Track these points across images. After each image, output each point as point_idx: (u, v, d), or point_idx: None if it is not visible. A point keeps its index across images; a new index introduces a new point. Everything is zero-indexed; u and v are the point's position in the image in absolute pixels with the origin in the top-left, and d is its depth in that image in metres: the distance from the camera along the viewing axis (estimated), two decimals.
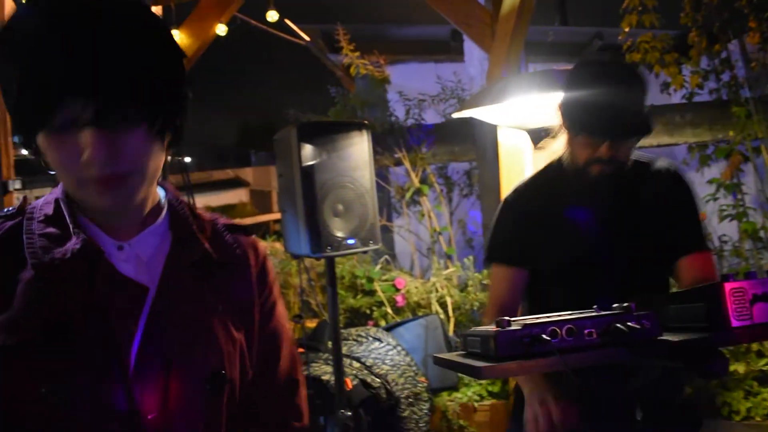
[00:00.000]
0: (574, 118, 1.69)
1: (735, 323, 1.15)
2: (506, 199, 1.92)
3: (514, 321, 1.13)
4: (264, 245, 1.22)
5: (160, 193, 1.07)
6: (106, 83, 0.83)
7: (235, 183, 19.02)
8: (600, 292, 1.50)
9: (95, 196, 0.91)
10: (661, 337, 1.17)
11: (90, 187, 0.89)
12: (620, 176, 1.71)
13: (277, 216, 11.54)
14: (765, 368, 3.48)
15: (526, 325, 1.09)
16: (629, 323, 1.12)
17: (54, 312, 0.89)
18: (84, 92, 0.83)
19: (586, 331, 1.11)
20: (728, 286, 1.17)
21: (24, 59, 0.83)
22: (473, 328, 1.25)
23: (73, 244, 0.93)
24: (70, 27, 0.82)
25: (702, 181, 4.45)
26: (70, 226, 0.95)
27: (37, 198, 1.04)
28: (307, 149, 2.59)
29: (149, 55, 0.88)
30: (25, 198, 1.04)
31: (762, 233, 4.20)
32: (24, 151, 0.97)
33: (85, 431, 0.89)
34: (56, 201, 0.99)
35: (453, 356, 1.27)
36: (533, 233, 1.81)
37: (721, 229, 4.63)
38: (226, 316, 1.03)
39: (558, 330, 1.09)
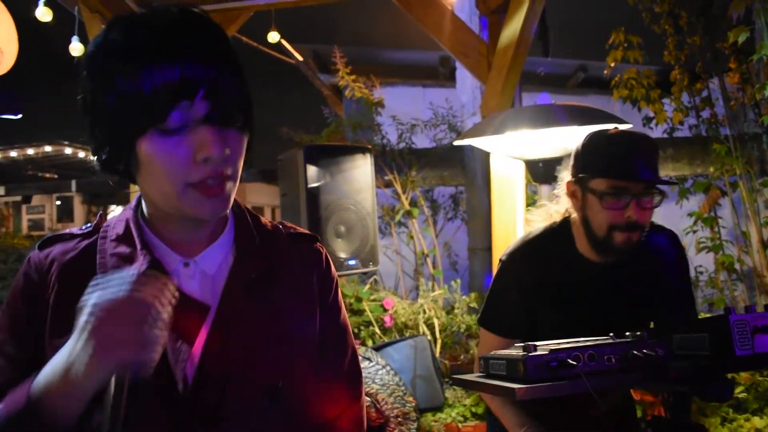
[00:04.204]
0: (597, 162, 1.64)
1: (739, 352, 1.25)
2: (502, 262, 1.83)
3: (539, 346, 1.21)
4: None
5: None
6: (212, 85, 0.90)
7: None
8: None
9: (195, 204, 0.94)
10: (671, 364, 1.26)
11: (192, 194, 0.93)
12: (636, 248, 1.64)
13: None
14: (740, 396, 3.61)
15: (552, 350, 1.17)
16: (644, 350, 1.20)
17: None
18: (195, 94, 0.89)
19: (605, 357, 1.19)
20: (733, 318, 1.27)
21: (141, 69, 0.88)
22: (495, 352, 1.33)
23: (140, 264, 0.97)
24: (179, 41, 0.90)
25: (681, 214, 4.61)
26: (138, 246, 0.99)
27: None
28: (313, 171, 2.66)
29: (233, 63, 0.95)
30: (100, 216, 1.08)
31: (737, 266, 4.37)
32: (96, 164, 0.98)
33: None
34: (126, 221, 1.03)
35: (475, 377, 1.35)
36: (528, 304, 1.75)
37: (697, 260, 4.80)
38: (288, 327, 1.06)
39: (581, 355, 1.18)
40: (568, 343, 1.25)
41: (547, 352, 1.17)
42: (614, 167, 1.62)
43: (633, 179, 1.60)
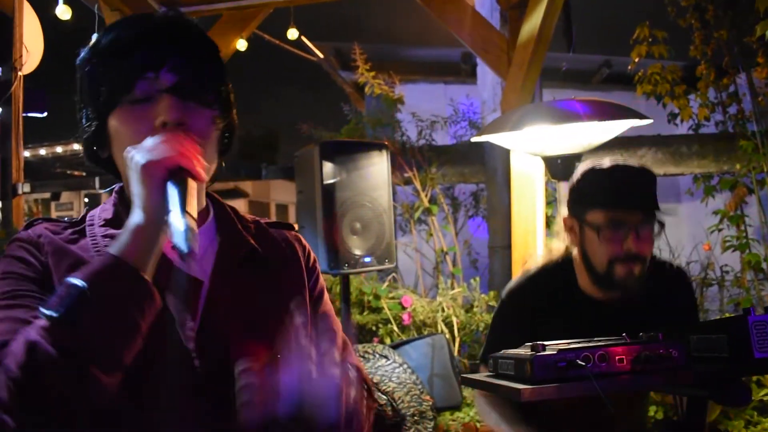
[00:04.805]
0: (592, 195, 1.65)
1: (758, 354, 1.20)
2: (502, 300, 1.84)
3: (548, 346, 1.18)
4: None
5: (207, 199, 1.17)
6: (178, 62, 1.01)
7: (235, 194, 19.09)
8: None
9: None
10: (686, 366, 1.22)
11: None
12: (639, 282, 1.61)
13: None
14: (765, 398, 3.52)
15: (560, 350, 1.14)
16: (659, 351, 1.17)
17: None
18: (160, 67, 0.99)
19: (617, 358, 1.16)
20: (752, 320, 1.23)
21: (116, 52, 1.00)
22: (504, 351, 1.30)
23: None
24: (149, 30, 1.02)
25: (707, 212, 4.52)
26: None
27: None
28: (329, 167, 2.65)
29: (206, 52, 1.07)
30: (87, 210, 1.13)
31: (764, 265, 4.26)
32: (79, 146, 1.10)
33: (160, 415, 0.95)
34: (114, 206, 1.09)
35: (483, 377, 1.32)
36: (524, 340, 1.65)
37: (723, 259, 4.70)
38: (279, 307, 1.09)
39: (591, 356, 1.14)
40: (578, 342, 1.22)
41: (555, 352, 1.14)
42: (610, 198, 1.62)
43: (628, 209, 1.60)
